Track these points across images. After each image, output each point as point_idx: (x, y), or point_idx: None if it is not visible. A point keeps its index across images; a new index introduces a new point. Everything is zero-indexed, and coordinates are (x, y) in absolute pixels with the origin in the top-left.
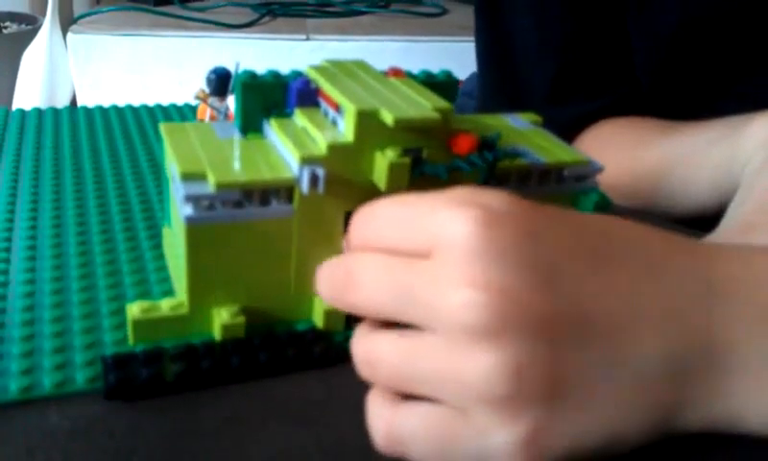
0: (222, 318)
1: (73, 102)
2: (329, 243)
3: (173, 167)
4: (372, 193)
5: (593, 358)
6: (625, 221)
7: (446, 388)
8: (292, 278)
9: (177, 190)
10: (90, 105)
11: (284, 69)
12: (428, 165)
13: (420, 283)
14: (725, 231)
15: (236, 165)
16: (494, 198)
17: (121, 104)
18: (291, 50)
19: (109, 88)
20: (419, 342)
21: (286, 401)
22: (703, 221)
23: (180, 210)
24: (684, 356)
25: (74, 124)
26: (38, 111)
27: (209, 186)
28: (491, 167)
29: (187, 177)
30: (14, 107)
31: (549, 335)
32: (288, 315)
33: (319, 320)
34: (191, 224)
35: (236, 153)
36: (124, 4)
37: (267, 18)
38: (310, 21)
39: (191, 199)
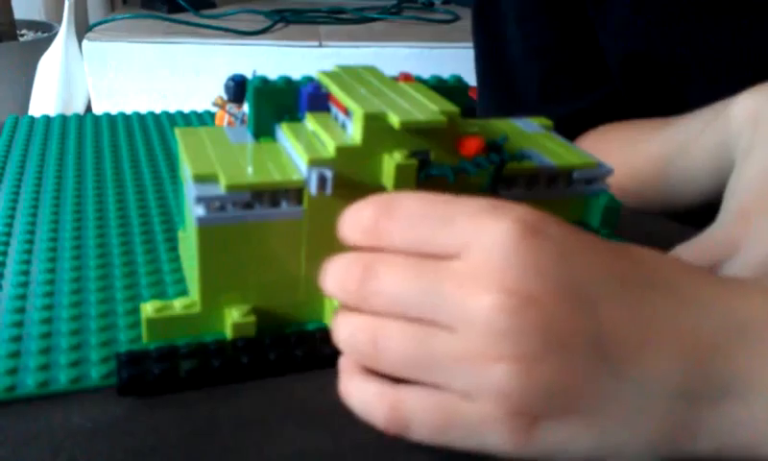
0: (233, 317)
1: (88, 109)
2: (338, 244)
3: (186, 169)
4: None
5: (605, 374)
6: (657, 253)
7: (458, 379)
8: (302, 278)
9: (189, 191)
10: (106, 111)
11: (297, 75)
12: (435, 167)
13: (450, 284)
14: (723, 223)
15: (247, 168)
16: (529, 213)
17: (140, 110)
18: (304, 56)
19: (124, 96)
20: (434, 334)
21: (303, 402)
22: (701, 216)
23: (192, 211)
24: (699, 384)
25: (97, 129)
26: (63, 117)
27: (220, 188)
28: (497, 169)
29: (199, 178)
30: (30, 113)
31: (567, 348)
32: (298, 315)
33: (329, 320)
34: (203, 224)
35: (248, 156)
36: (139, 12)
37: (280, 25)
38: (323, 28)
39: (203, 200)
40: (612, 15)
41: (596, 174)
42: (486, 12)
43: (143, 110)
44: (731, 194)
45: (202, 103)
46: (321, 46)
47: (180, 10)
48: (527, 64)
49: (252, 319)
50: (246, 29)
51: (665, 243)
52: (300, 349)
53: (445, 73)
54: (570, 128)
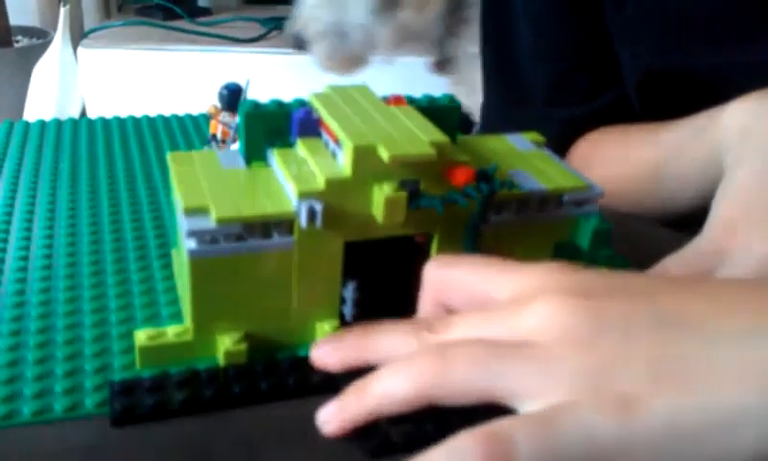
0: (225, 344)
1: (83, 115)
2: (329, 272)
3: (178, 200)
4: (370, 224)
5: (685, 340)
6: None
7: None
8: (294, 305)
9: (181, 224)
10: (101, 116)
11: (291, 83)
12: (425, 198)
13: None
14: (710, 234)
15: (238, 199)
16: (587, 280)
17: (136, 114)
18: (297, 64)
19: (119, 102)
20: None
21: (297, 426)
22: (699, 221)
23: (184, 242)
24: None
25: (91, 135)
26: (58, 122)
27: (211, 221)
28: (486, 200)
29: (191, 212)
30: (25, 119)
31: (631, 324)
32: (290, 341)
33: None
34: (194, 257)
35: (239, 184)
36: (134, 19)
37: (275, 33)
38: None
39: (194, 234)
40: (632, 29)
41: (587, 196)
42: (496, 4)
43: (143, 114)
44: (717, 204)
45: (196, 110)
46: None
47: (176, 17)
48: (536, 65)
49: (243, 346)
50: (241, 36)
51: (656, 251)
52: (291, 376)
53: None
54: (575, 130)
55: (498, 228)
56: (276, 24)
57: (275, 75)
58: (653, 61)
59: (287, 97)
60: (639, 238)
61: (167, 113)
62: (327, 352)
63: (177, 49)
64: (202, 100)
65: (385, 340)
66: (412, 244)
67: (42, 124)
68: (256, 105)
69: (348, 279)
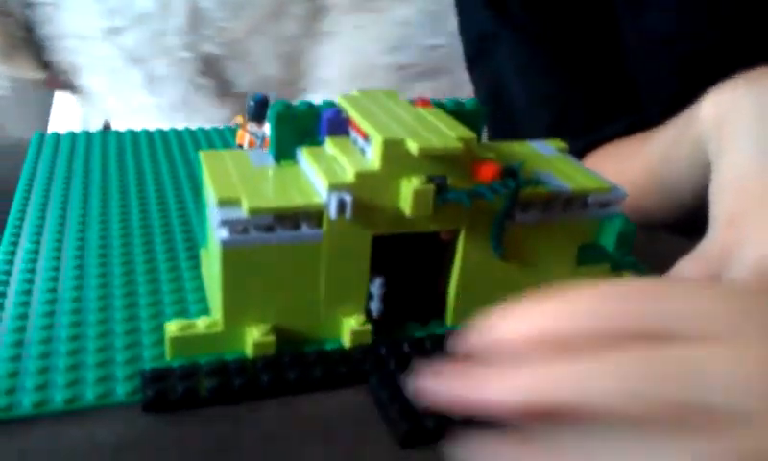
0: (254, 336)
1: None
2: (357, 266)
3: (210, 193)
4: (398, 219)
5: None
6: None
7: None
8: (321, 298)
9: (213, 215)
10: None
11: None
12: (452, 192)
13: None
14: (714, 233)
15: (269, 191)
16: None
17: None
18: None
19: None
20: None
21: (324, 419)
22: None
23: (215, 234)
24: None
25: (120, 147)
26: (87, 134)
27: (243, 211)
28: (513, 195)
29: (223, 203)
30: (52, 116)
31: None
32: (317, 334)
33: (347, 339)
34: (226, 247)
35: (269, 179)
36: None
37: None
38: None
39: (226, 223)
40: (658, 23)
41: (611, 198)
42: (482, 65)
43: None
44: (713, 203)
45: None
46: None
47: None
48: (534, 111)
49: (272, 338)
50: None
51: (669, 258)
52: (318, 368)
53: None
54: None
55: (524, 226)
56: None
57: None
58: (689, 46)
59: None
60: (651, 248)
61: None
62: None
63: None
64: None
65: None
66: (438, 241)
67: (72, 136)
68: (287, 106)
69: (376, 275)
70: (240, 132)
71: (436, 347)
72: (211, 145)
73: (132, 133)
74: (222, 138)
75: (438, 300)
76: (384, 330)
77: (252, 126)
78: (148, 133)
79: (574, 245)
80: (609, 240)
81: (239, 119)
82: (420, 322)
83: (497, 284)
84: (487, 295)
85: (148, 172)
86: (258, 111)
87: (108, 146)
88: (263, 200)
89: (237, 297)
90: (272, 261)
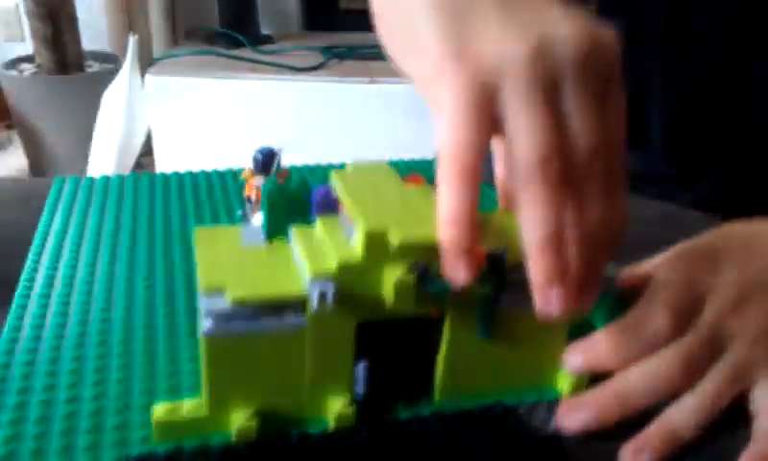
0: (237, 421)
1: (148, 139)
2: (342, 351)
3: (198, 276)
4: (382, 305)
5: None
6: None
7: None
8: (306, 383)
9: (200, 299)
10: (164, 144)
11: (348, 111)
12: (434, 282)
13: None
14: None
15: (254, 278)
16: None
17: (195, 151)
18: (356, 92)
19: (183, 128)
20: None
21: None
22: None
23: (200, 322)
24: None
25: (152, 191)
26: (120, 179)
27: (227, 301)
28: (496, 284)
29: (209, 290)
30: (93, 144)
31: None
32: (302, 415)
33: (331, 422)
34: (210, 336)
35: (257, 263)
36: (200, 47)
37: (334, 61)
38: (375, 64)
39: (210, 314)
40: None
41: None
42: None
43: (199, 144)
44: None
45: (256, 138)
46: (372, 82)
47: (240, 45)
48: None
49: (253, 423)
50: (301, 65)
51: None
52: (299, 453)
53: None
54: None
55: (512, 309)
56: (335, 53)
57: (331, 103)
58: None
59: (341, 126)
60: None
61: (228, 141)
62: None
63: (238, 77)
64: (262, 126)
65: None
66: (425, 320)
67: (106, 180)
68: (280, 187)
69: (360, 358)
70: (247, 185)
71: (421, 428)
72: (236, 189)
73: (164, 176)
74: (236, 181)
75: (426, 378)
76: (371, 411)
77: (258, 179)
78: (178, 176)
79: (564, 325)
80: (600, 318)
81: (246, 173)
82: (409, 401)
83: (486, 362)
84: (476, 372)
85: (159, 218)
86: (265, 164)
87: (140, 192)
88: (248, 288)
89: (222, 382)
90: (256, 348)
